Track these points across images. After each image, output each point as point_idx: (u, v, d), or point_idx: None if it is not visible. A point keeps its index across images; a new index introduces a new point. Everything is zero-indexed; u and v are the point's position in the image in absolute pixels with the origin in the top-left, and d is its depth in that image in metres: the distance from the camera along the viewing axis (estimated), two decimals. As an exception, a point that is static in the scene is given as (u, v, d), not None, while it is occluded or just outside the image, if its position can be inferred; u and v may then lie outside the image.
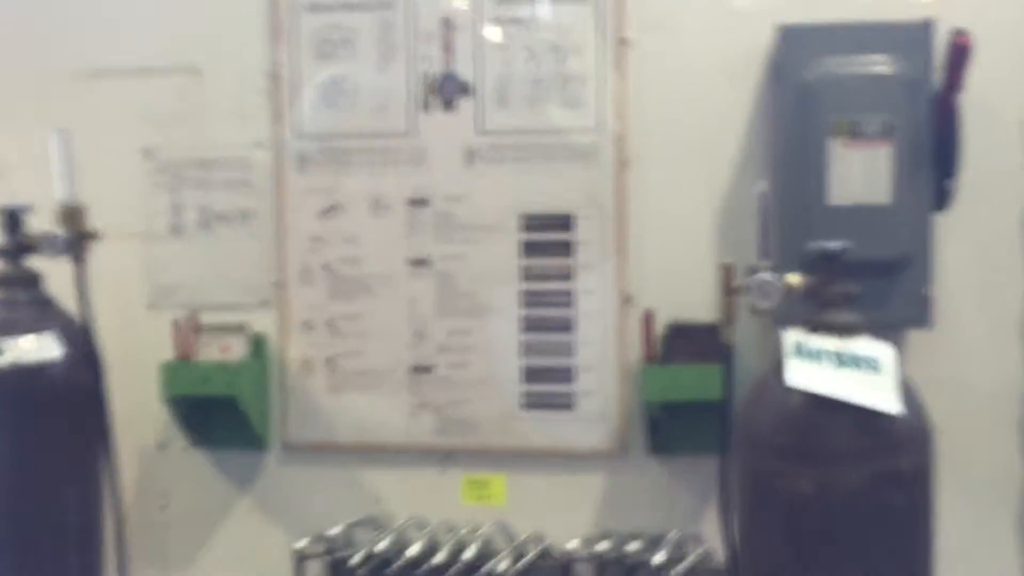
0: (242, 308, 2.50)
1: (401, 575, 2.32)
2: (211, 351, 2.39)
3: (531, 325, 2.41)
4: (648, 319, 2.28)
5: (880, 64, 2.07)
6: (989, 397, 2.27)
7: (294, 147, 2.46)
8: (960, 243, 2.25)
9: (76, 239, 2.11)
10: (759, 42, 2.28)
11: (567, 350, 2.40)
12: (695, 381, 2.19)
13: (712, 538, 2.30)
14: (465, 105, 2.41)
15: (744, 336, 2.27)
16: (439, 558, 2.31)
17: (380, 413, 2.47)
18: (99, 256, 2.23)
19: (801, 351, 1.75)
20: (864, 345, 1.76)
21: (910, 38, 2.08)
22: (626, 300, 2.37)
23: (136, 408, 2.52)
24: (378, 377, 2.47)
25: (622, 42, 2.36)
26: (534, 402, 2.42)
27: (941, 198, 2.10)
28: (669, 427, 2.31)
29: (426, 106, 2.42)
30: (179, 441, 2.54)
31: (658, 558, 2.23)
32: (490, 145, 2.40)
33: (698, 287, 2.34)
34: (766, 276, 1.83)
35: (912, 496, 1.72)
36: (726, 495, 2.02)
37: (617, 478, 2.41)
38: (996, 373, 2.27)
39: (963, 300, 2.26)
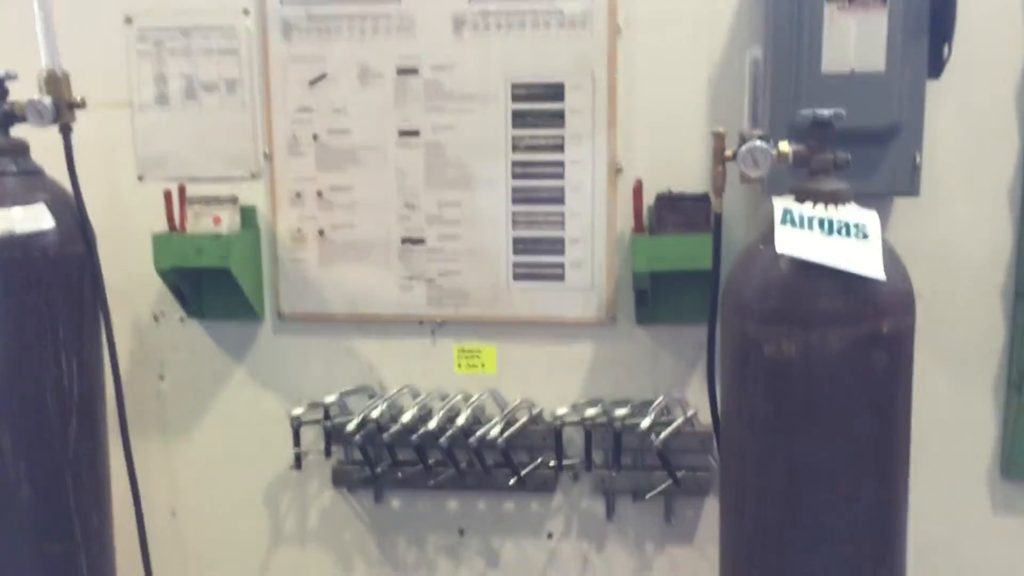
0: (231, 180, 2.49)
1: (395, 441, 2.39)
2: (202, 223, 2.39)
3: (521, 196, 2.41)
4: (638, 189, 2.28)
5: (878, -74, 2.02)
6: (975, 264, 2.30)
7: (279, 13, 2.41)
8: (951, 111, 2.24)
9: (63, 106, 2.08)
10: (756, -97, 2.21)
11: (557, 221, 2.41)
12: (684, 251, 2.21)
13: (698, 403, 2.37)
14: (453, -30, 2.36)
15: (733, 206, 2.29)
16: (432, 424, 2.37)
17: (372, 284, 2.49)
18: (85, 127, 2.21)
19: (790, 219, 1.76)
20: (851, 212, 1.78)
21: (908, -103, 2.03)
22: (616, 171, 2.37)
23: (130, 280, 2.55)
24: (369, 249, 2.48)
25: (615, -97, 2.29)
26: (524, 273, 2.44)
27: (935, 65, 2.08)
28: (657, 297, 2.34)
29: (413, -29, 2.37)
30: (174, 312, 2.57)
31: (645, 422, 2.29)
32: (479, 12, 2.35)
33: (688, 158, 2.34)
34: (757, 144, 1.83)
35: (893, 360, 1.77)
36: (712, 361, 2.07)
37: (606, 347, 2.46)
38: (982, 241, 2.29)
39: (951, 168, 2.26)
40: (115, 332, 2.23)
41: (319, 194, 2.47)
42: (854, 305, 1.72)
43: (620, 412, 2.33)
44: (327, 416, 2.44)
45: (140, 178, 2.53)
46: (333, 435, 2.45)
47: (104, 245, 2.22)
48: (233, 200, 2.41)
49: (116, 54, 2.48)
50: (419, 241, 2.46)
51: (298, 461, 2.50)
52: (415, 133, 2.42)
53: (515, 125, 2.39)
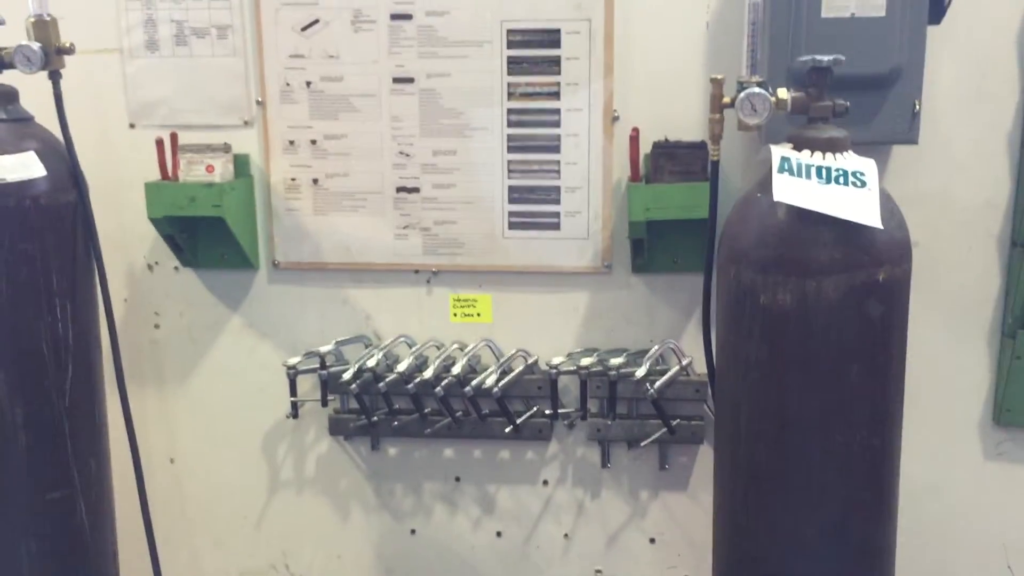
0: (224, 128, 2.46)
1: (391, 390, 2.40)
2: (195, 171, 2.37)
3: (516, 144, 2.40)
4: (634, 138, 2.26)
5: None
6: (971, 213, 2.30)
7: (270, -43, 2.37)
8: (951, 57, 2.21)
9: (51, 52, 2.05)
10: None
11: (553, 170, 2.40)
12: (681, 199, 2.20)
13: (693, 352, 2.37)
14: (448, -88, 2.31)
15: (730, 155, 2.28)
16: (428, 373, 2.38)
17: (366, 233, 2.48)
18: (75, 74, 2.18)
19: (787, 167, 1.75)
20: (849, 160, 1.77)
21: None
22: (613, 118, 2.35)
23: (124, 228, 2.53)
24: (363, 197, 2.47)
25: None
26: (520, 222, 2.43)
27: (936, 10, 2.05)
28: (653, 246, 2.34)
29: (407, -87, 2.32)
30: (169, 261, 2.56)
31: (640, 372, 2.30)
32: (474, -45, 2.32)
33: (686, 105, 2.32)
34: (755, 90, 1.81)
35: (888, 308, 1.77)
36: (708, 310, 2.07)
37: (602, 296, 2.46)
38: (980, 189, 2.29)
39: (950, 116, 2.25)
40: (109, 281, 2.22)
41: (313, 142, 2.45)
42: (851, 253, 1.71)
43: (615, 361, 2.34)
44: (323, 365, 2.45)
45: (131, 125, 2.51)
46: (329, 384, 2.45)
47: (97, 193, 2.21)
48: (226, 148, 2.39)
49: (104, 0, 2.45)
50: (414, 190, 2.45)
51: (295, 410, 2.51)
52: (409, 80, 2.39)
53: (510, 72, 2.36)
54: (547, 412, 2.45)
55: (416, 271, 2.50)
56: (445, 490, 2.64)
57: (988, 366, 2.38)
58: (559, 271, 2.45)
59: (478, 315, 2.51)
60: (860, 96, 1.98)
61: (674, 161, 2.25)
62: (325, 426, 2.59)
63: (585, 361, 2.37)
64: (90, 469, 2.17)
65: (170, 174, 2.39)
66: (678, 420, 2.41)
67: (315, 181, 2.47)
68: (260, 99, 2.45)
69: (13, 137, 2.04)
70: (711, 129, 1.93)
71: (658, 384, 2.28)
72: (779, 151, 1.78)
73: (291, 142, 2.46)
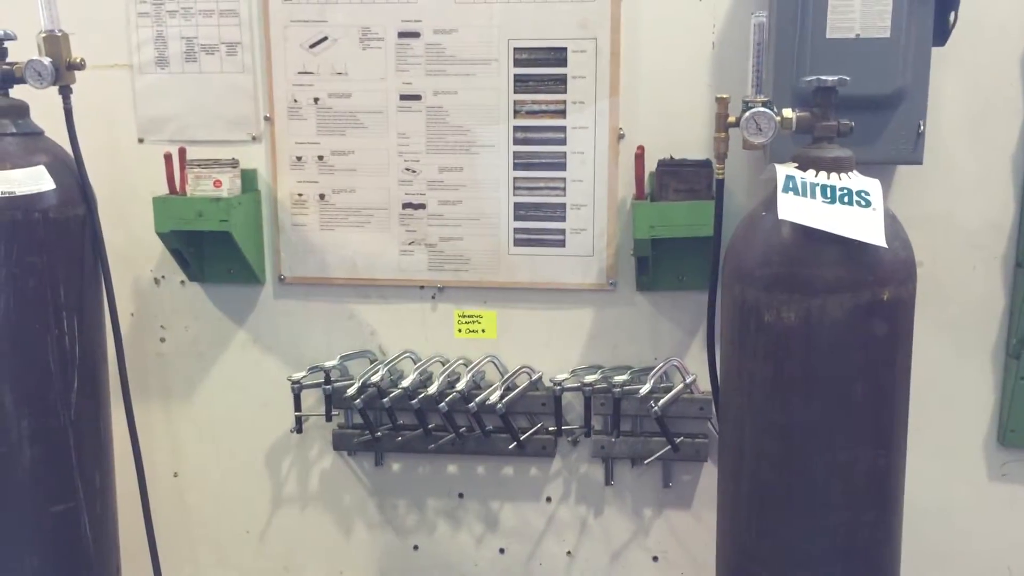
0: (232, 143, 2.48)
1: (395, 405, 2.40)
2: (202, 186, 2.38)
3: (522, 162, 2.41)
4: (640, 156, 2.27)
5: None
6: (976, 233, 2.30)
7: (280, -25, 2.39)
8: (955, 79, 2.23)
9: (62, 67, 2.07)
10: None
11: (558, 187, 2.41)
12: (685, 217, 2.21)
13: (697, 369, 2.37)
14: (456, -68, 2.33)
15: (735, 173, 2.29)
16: (432, 389, 2.38)
17: (372, 249, 2.49)
18: (85, 89, 2.20)
19: (792, 186, 1.76)
20: (854, 180, 1.77)
21: None
22: (618, 136, 2.36)
23: (131, 242, 2.55)
24: (370, 213, 2.48)
25: None
26: (525, 239, 2.44)
27: (941, 32, 2.06)
28: (658, 263, 2.35)
29: (416, -67, 2.35)
30: (175, 275, 2.57)
31: (644, 389, 2.30)
32: (482, -25, 2.33)
33: (691, 124, 2.33)
34: (761, 110, 1.82)
35: (893, 328, 1.77)
36: (712, 328, 2.07)
37: (606, 313, 2.46)
38: (984, 210, 2.29)
39: (954, 137, 2.25)
40: (116, 294, 2.23)
41: (320, 158, 2.46)
42: (855, 272, 1.72)
43: (620, 378, 2.34)
44: (328, 380, 2.45)
45: (140, 140, 2.52)
46: (333, 399, 2.46)
47: (105, 207, 2.22)
48: (234, 163, 2.40)
49: (116, 15, 2.47)
50: (420, 206, 2.46)
51: (299, 424, 2.51)
52: (416, 97, 2.41)
53: (517, 90, 2.38)
54: (551, 429, 2.45)
55: (421, 287, 2.51)
56: (448, 506, 2.63)
57: (992, 386, 2.38)
58: (564, 288, 2.45)
59: (483, 331, 2.52)
60: (865, 116, 1.99)
61: (679, 179, 2.25)
62: (329, 441, 2.60)
63: (589, 378, 2.37)
64: (94, 482, 2.18)
65: (178, 189, 2.41)
66: (682, 438, 2.41)
67: (322, 197, 2.48)
68: (268, 115, 2.46)
69: (23, 151, 2.05)
70: (716, 148, 1.94)
71: (662, 402, 2.29)
72: (784, 170, 1.79)
73: (298, 158, 2.47)
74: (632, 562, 2.59)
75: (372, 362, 2.53)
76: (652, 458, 2.42)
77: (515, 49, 2.35)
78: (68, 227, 2.08)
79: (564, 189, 2.40)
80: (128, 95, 2.51)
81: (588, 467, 2.56)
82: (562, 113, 2.37)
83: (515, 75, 2.37)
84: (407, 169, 2.45)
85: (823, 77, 1.78)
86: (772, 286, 1.76)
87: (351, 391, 2.41)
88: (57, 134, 2.13)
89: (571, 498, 2.58)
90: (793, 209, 1.72)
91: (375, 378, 2.41)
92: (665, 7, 2.29)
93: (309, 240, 2.51)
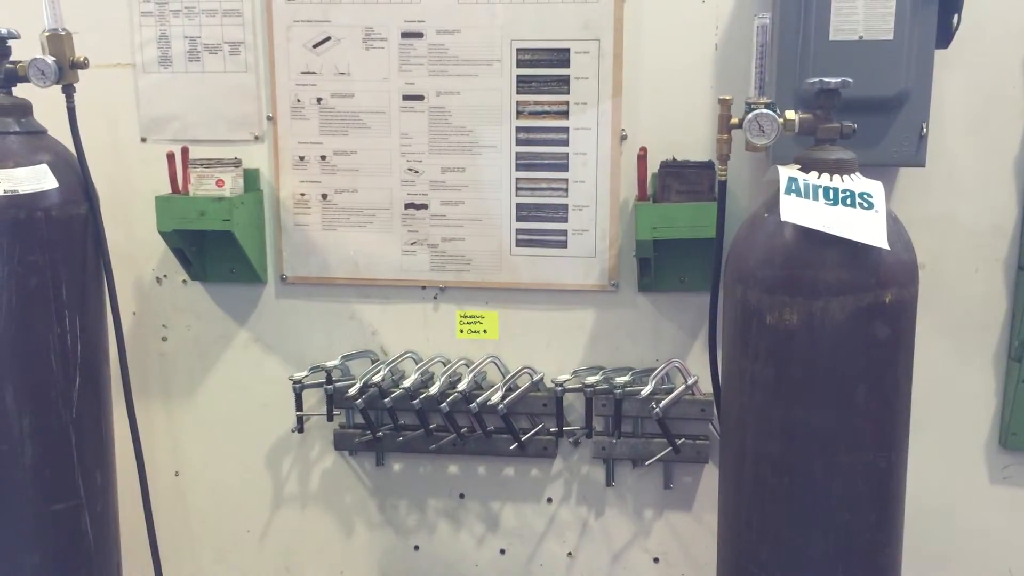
0: (234, 143, 2.48)
1: (397, 406, 2.40)
2: (205, 185, 2.38)
3: (525, 163, 2.41)
4: (642, 157, 2.27)
5: None
6: (978, 236, 2.30)
7: (283, -25, 2.39)
8: (958, 81, 2.22)
9: (65, 66, 2.07)
10: None
11: (561, 188, 2.41)
12: (688, 219, 2.21)
13: (698, 371, 2.37)
14: (460, -68, 2.33)
15: (737, 175, 2.29)
16: (433, 389, 2.38)
17: (374, 249, 2.49)
18: (88, 88, 2.21)
19: (795, 187, 1.76)
20: (856, 182, 1.77)
21: None
22: (621, 138, 2.36)
23: (133, 241, 2.55)
24: (372, 213, 2.48)
25: None
26: (527, 240, 2.44)
27: (944, 34, 2.06)
28: (660, 265, 2.34)
29: (419, -67, 2.35)
30: (177, 274, 2.57)
31: (645, 390, 2.30)
32: (485, -25, 2.34)
33: (694, 125, 2.33)
34: (763, 111, 1.82)
35: (895, 330, 1.77)
36: (714, 329, 2.07)
37: (608, 314, 2.46)
38: (986, 213, 2.29)
39: (957, 139, 2.25)
40: (118, 293, 2.23)
41: (322, 158, 2.46)
42: (857, 275, 1.72)
43: (621, 379, 2.34)
44: (329, 380, 2.45)
45: (143, 139, 2.53)
46: (335, 399, 2.46)
47: (107, 206, 2.23)
48: (236, 163, 2.41)
49: (119, 14, 2.47)
50: (422, 206, 2.46)
51: (300, 424, 2.51)
52: (419, 98, 2.41)
53: (519, 91, 2.38)
54: (552, 430, 2.45)
55: (423, 287, 2.51)
56: (449, 506, 2.63)
57: (994, 389, 2.37)
58: (566, 289, 2.45)
59: (484, 332, 2.52)
60: (867, 118, 1.99)
61: (681, 180, 2.25)
62: (330, 441, 2.60)
63: (591, 379, 2.37)
64: (96, 481, 2.18)
65: (180, 188, 2.41)
66: (683, 439, 2.41)
67: (324, 197, 2.48)
68: (271, 115, 2.47)
69: (26, 149, 2.05)
70: (719, 149, 1.94)
71: (663, 403, 2.28)
72: (786, 172, 1.79)
73: (301, 158, 2.47)
74: (633, 563, 2.59)
75: (374, 362, 2.53)
76: (653, 459, 2.42)
77: (518, 50, 2.35)
78: (70, 226, 2.08)
79: (566, 190, 2.40)
80: (131, 94, 2.51)
81: (589, 468, 2.56)
82: (565, 114, 2.37)
83: (518, 76, 2.37)
84: (409, 169, 2.45)
85: (826, 79, 1.78)
86: (774, 288, 1.76)
87: (352, 391, 2.41)
88: (60, 133, 2.14)
89: (572, 499, 2.58)
90: (795, 211, 1.72)
91: (376, 378, 2.41)
92: (668, 8, 2.29)
93: (311, 240, 2.51)
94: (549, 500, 2.59)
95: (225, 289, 2.58)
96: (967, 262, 2.31)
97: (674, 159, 2.30)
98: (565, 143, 2.39)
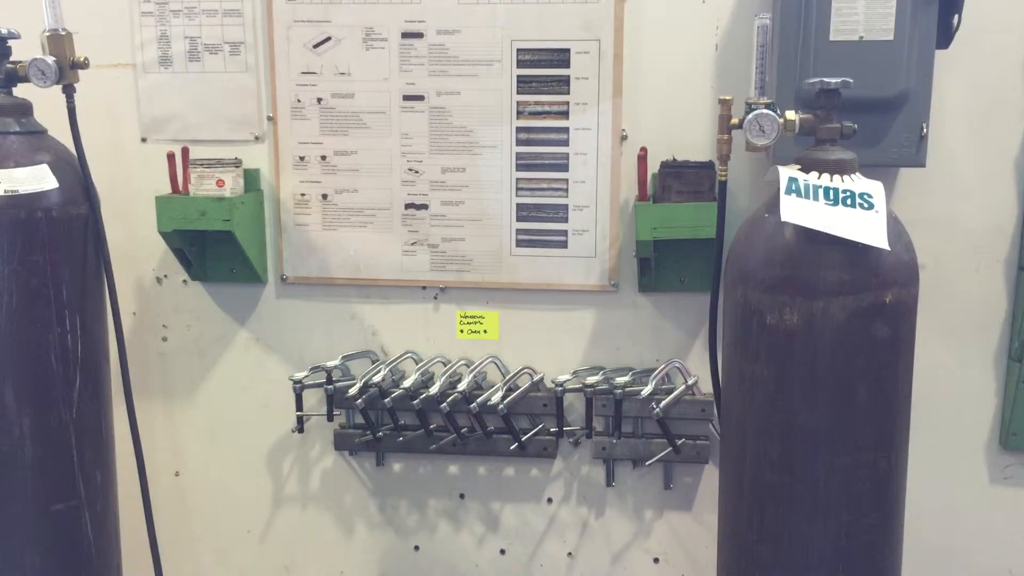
0: (235, 143, 2.48)
1: (397, 406, 2.40)
2: (205, 185, 2.38)
3: (525, 163, 2.41)
4: (642, 157, 2.27)
5: None
6: (978, 236, 2.30)
7: (284, -25, 2.39)
8: (959, 81, 2.22)
9: (66, 66, 2.07)
10: None
11: (561, 188, 2.41)
12: (688, 219, 2.21)
13: (699, 371, 2.37)
14: (460, -68, 2.34)
15: (737, 175, 2.29)
16: (433, 390, 2.38)
17: (375, 249, 2.49)
18: (89, 88, 2.20)
19: (795, 188, 1.76)
20: (856, 182, 1.77)
21: None
22: (621, 138, 2.36)
23: (133, 241, 2.55)
24: (372, 214, 2.48)
25: None
26: (527, 240, 2.44)
27: (944, 34, 2.06)
28: (660, 265, 2.35)
29: (419, -67, 2.35)
30: (177, 274, 2.57)
31: (646, 390, 2.30)
32: (486, -25, 2.33)
33: (694, 125, 2.33)
34: (764, 112, 1.82)
35: (895, 331, 1.77)
36: (714, 330, 2.07)
37: (608, 314, 2.46)
38: (987, 213, 2.29)
39: (958, 139, 2.25)
40: (118, 293, 2.23)
41: (323, 158, 2.47)
42: (858, 275, 1.72)
43: (621, 379, 2.34)
44: (329, 380, 2.45)
45: (143, 139, 2.53)
46: (335, 399, 2.46)
47: (108, 206, 2.23)
48: (236, 163, 2.41)
49: (120, 14, 2.47)
50: (422, 207, 2.46)
51: (300, 424, 2.51)
52: (419, 98, 2.41)
53: (520, 91, 2.38)
54: (552, 430, 2.45)
55: (423, 287, 2.51)
56: (449, 507, 2.63)
57: (995, 390, 2.37)
58: (566, 289, 2.45)
59: (485, 332, 2.52)
60: (868, 119, 1.99)
61: (682, 181, 2.25)
62: (330, 441, 2.60)
63: (591, 379, 2.37)
64: (96, 481, 2.18)
65: (181, 188, 2.41)
66: (683, 439, 2.41)
67: (324, 197, 2.48)
68: (271, 115, 2.47)
69: (26, 150, 2.05)
70: (719, 149, 1.94)
71: (664, 403, 2.28)
72: (787, 172, 1.79)
73: (301, 158, 2.47)
74: (633, 563, 2.59)
75: (374, 362, 2.53)
76: (653, 460, 2.42)
77: (518, 50, 2.35)
78: (71, 226, 2.08)
79: (566, 190, 2.40)
80: (131, 94, 2.51)
81: (589, 468, 2.56)
82: (565, 114, 2.37)
83: (518, 76, 2.37)
84: (410, 170, 2.45)
85: (826, 79, 1.78)
86: (774, 288, 1.76)
87: (353, 391, 2.41)
88: (60, 133, 2.13)
89: (572, 499, 2.58)
90: (796, 211, 1.72)
91: (377, 378, 2.41)
92: (668, 9, 2.29)
93: (311, 240, 2.51)
94: (549, 500, 2.59)
95: (225, 289, 2.58)
96: (967, 262, 2.31)
97: (674, 159, 2.29)
98: (565, 143, 2.39)
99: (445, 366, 2.48)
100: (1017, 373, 2.30)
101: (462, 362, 2.49)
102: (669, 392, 2.33)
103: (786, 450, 1.81)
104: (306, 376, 2.47)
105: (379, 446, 2.55)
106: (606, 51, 2.32)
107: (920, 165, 2.13)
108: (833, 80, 1.78)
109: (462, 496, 2.62)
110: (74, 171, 2.11)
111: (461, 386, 2.37)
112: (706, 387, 2.33)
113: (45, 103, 2.14)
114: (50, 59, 2.06)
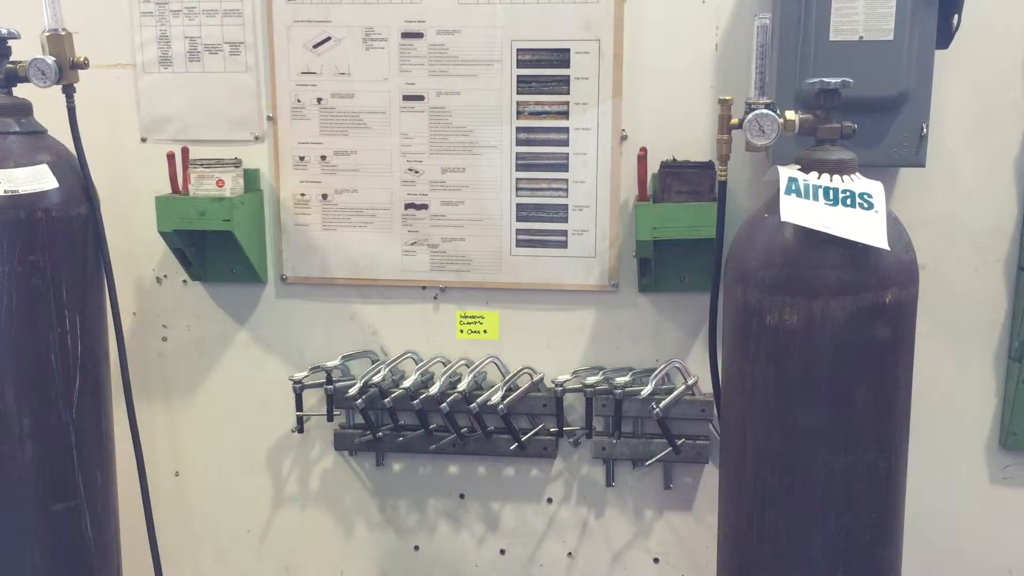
0: (235, 143, 2.48)
1: (397, 406, 2.40)
2: (205, 185, 2.38)
3: (525, 163, 2.41)
4: (642, 157, 2.27)
5: None
6: (978, 236, 2.30)
7: (283, -25, 2.39)
8: (958, 81, 2.22)
9: (66, 66, 2.07)
10: None
11: (561, 188, 2.41)
12: (688, 219, 2.21)
13: (699, 371, 2.37)
14: (460, -68, 2.34)
15: (737, 175, 2.29)
16: (433, 390, 2.38)
17: (374, 249, 2.49)
18: (89, 88, 2.21)
19: (795, 188, 1.76)
20: (856, 182, 1.77)
21: None
22: (621, 138, 2.36)
23: (133, 241, 2.55)
24: (372, 214, 2.48)
25: None
26: (527, 240, 2.44)
27: (944, 34, 2.06)
28: (660, 265, 2.34)
29: (419, -67, 2.35)
30: (177, 274, 2.57)
31: (645, 390, 2.30)
32: (486, -25, 2.34)
33: (694, 126, 2.33)
34: (764, 112, 1.82)
35: (895, 331, 1.77)
36: (714, 330, 2.07)
37: (608, 314, 2.46)
38: (987, 213, 2.29)
39: (957, 139, 2.25)
40: (118, 293, 2.23)
41: (323, 158, 2.47)
42: (858, 275, 1.72)
43: (621, 380, 2.34)
44: (329, 380, 2.45)
45: (143, 140, 2.53)
46: (335, 399, 2.46)
47: (107, 206, 2.22)
48: (236, 163, 2.41)
49: (119, 15, 2.47)
50: (422, 207, 2.46)
51: (300, 424, 2.51)
52: (419, 98, 2.41)
53: (520, 91, 2.38)
54: (552, 430, 2.45)
55: (423, 287, 2.51)
56: (449, 507, 2.63)
57: (995, 390, 2.37)
58: (566, 289, 2.45)
59: (484, 332, 2.52)
60: (868, 119, 1.99)
61: (681, 181, 2.25)
62: (330, 441, 2.60)
63: (591, 379, 2.37)
64: (96, 481, 2.18)
65: (180, 188, 2.41)
66: (683, 439, 2.41)
67: (324, 197, 2.48)
68: (271, 115, 2.47)
69: (26, 150, 2.05)
70: (719, 149, 1.94)
71: (664, 403, 2.28)
72: (787, 172, 1.79)
73: (301, 158, 2.47)
74: (633, 563, 2.59)
75: (374, 362, 2.53)
76: (653, 460, 2.42)
77: (518, 50, 2.35)
78: (71, 226, 2.08)
79: (566, 190, 2.40)
80: (131, 94, 2.51)
81: (589, 468, 2.56)
82: (565, 114, 2.37)
83: (518, 76, 2.37)
84: (410, 170, 2.45)
85: (826, 79, 1.79)
86: (774, 288, 1.76)
87: (352, 391, 2.41)
88: (60, 133, 2.14)
89: (572, 499, 2.58)
90: (795, 211, 1.72)
91: (377, 378, 2.41)
92: (668, 9, 2.29)
93: (311, 240, 2.51)
94: (549, 500, 2.59)
95: (225, 289, 2.58)
96: (967, 262, 2.31)
97: (674, 159, 2.30)
98: (565, 143, 2.39)
99: (445, 366, 2.48)
100: (1017, 373, 2.30)
101: (462, 362, 2.49)
102: (669, 392, 2.33)
103: (786, 450, 1.82)
104: (306, 376, 2.47)
105: (379, 446, 2.55)
106: (606, 51, 2.32)
107: (920, 165, 2.13)
108: (833, 80, 1.78)
109: (462, 496, 2.62)
110: (74, 171, 2.11)
111: (461, 386, 2.38)
112: (706, 387, 2.33)
113: (45, 103, 2.14)
114: (50, 59, 2.06)
